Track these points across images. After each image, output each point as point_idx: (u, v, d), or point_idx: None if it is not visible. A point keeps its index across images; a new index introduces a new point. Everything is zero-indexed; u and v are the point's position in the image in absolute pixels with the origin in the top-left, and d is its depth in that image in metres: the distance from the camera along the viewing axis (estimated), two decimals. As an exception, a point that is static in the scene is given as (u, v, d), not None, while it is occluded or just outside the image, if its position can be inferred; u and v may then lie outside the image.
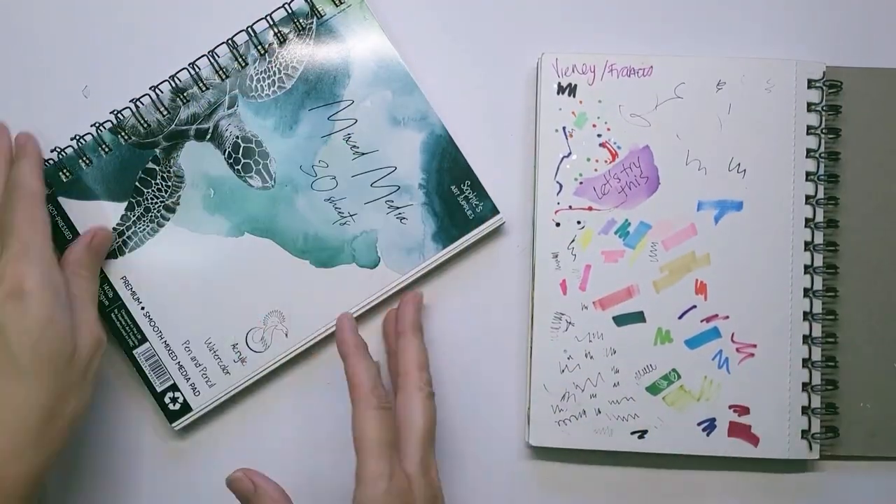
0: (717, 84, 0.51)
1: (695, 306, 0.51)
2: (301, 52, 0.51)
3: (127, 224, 0.51)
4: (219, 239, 0.51)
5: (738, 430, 0.51)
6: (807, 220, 0.51)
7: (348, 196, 0.51)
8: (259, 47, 0.51)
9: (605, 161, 0.51)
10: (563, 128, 0.51)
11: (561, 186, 0.51)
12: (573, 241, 0.51)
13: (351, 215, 0.51)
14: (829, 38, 0.53)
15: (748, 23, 0.53)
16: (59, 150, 0.51)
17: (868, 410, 0.52)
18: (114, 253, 0.51)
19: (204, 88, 0.51)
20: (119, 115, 0.51)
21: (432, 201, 0.51)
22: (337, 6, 0.51)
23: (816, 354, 0.51)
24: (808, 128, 0.51)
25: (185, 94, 0.51)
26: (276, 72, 0.50)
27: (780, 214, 0.51)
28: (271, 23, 0.50)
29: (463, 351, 0.53)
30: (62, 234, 0.51)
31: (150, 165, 0.51)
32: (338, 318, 0.48)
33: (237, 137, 0.50)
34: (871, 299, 0.52)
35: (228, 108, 0.51)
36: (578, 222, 0.51)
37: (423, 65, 0.53)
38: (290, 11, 0.51)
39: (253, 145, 0.51)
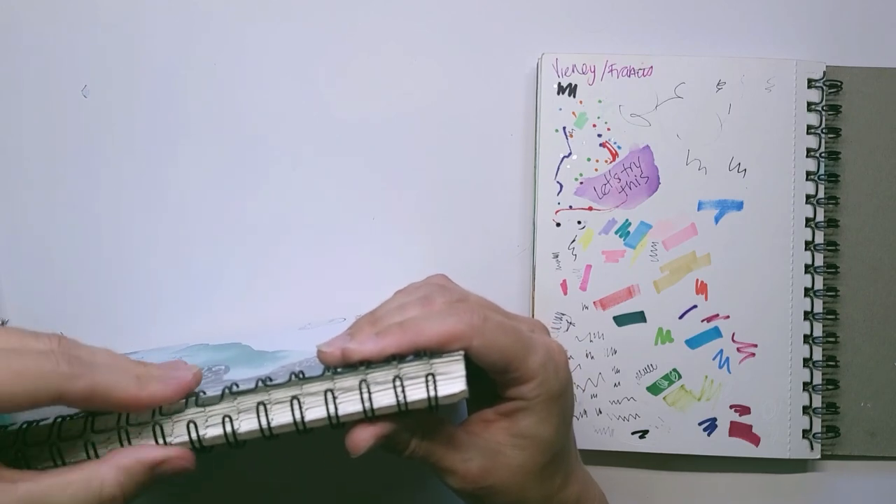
0: (717, 84, 0.51)
1: (695, 306, 0.51)
2: None
3: None
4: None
5: (738, 430, 0.51)
6: (807, 220, 0.51)
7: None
8: None
9: (606, 161, 0.51)
10: (564, 128, 0.51)
11: (561, 186, 0.51)
12: (574, 240, 0.51)
13: None
14: (829, 38, 0.53)
15: (748, 23, 0.53)
16: None
17: (869, 410, 0.52)
18: None
19: None
20: None
21: None
22: None
23: (817, 354, 0.51)
24: (809, 127, 0.51)
25: None
26: None
27: (780, 214, 0.51)
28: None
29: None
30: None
31: None
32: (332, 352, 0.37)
33: None
34: (871, 299, 0.52)
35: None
36: (579, 222, 0.51)
37: (423, 65, 0.53)
38: None
39: None
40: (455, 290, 0.42)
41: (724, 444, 0.51)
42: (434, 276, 0.45)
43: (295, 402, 0.37)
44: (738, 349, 0.51)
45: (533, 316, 0.51)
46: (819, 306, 0.51)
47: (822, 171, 0.51)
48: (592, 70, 0.51)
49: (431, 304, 0.39)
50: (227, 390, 0.37)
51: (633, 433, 0.51)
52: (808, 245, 0.51)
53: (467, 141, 0.53)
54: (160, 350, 0.52)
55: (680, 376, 0.51)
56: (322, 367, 0.38)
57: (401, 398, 0.36)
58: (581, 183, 0.51)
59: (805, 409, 0.51)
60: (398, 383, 0.36)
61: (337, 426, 0.37)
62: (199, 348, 0.50)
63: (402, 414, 0.37)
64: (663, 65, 0.51)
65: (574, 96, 0.51)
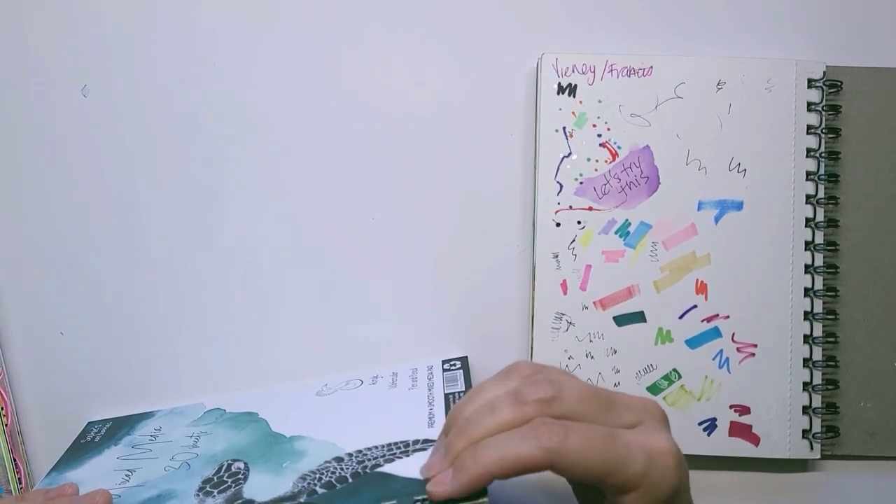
0: (717, 84, 0.51)
1: (695, 306, 0.51)
2: None
3: None
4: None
5: (738, 430, 0.51)
6: (807, 220, 0.51)
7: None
8: None
9: (606, 161, 0.51)
10: (564, 128, 0.51)
11: (561, 186, 0.51)
12: (573, 240, 0.51)
13: None
14: (829, 38, 0.53)
15: (748, 23, 0.53)
16: None
17: (868, 410, 0.52)
18: None
19: None
20: None
21: None
22: None
23: (817, 354, 0.51)
24: (809, 127, 0.51)
25: None
26: None
27: (780, 214, 0.51)
28: None
29: (463, 350, 0.53)
30: None
31: None
32: None
33: None
34: (871, 299, 0.52)
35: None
36: (579, 222, 0.51)
37: (423, 65, 0.53)
38: None
39: None
40: (547, 383, 0.37)
41: (724, 444, 0.51)
42: (518, 365, 0.40)
43: None
44: (738, 349, 0.51)
45: (532, 315, 0.51)
46: (819, 306, 0.51)
47: (821, 171, 0.51)
48: (592, 70, 0.51)
49: (523, 405, 0.36)
50: None
51: (633, 433, 0.51)
52: (808, 245, 0.51)
53: (467, 141, 0.53)
54: (177, 413, 0.53)
55: (680, 376, 0.51)
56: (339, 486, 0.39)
57: None
58: (581, 183, 0.51)
59: (805, 409, 0.51)
60: None
61: None
62: (215, 418, 0.51)
63: None
64: (663, 65, 0.51)
65: (574, 96, 0.51)
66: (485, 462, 0.35)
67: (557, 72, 0.51)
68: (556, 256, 0.51)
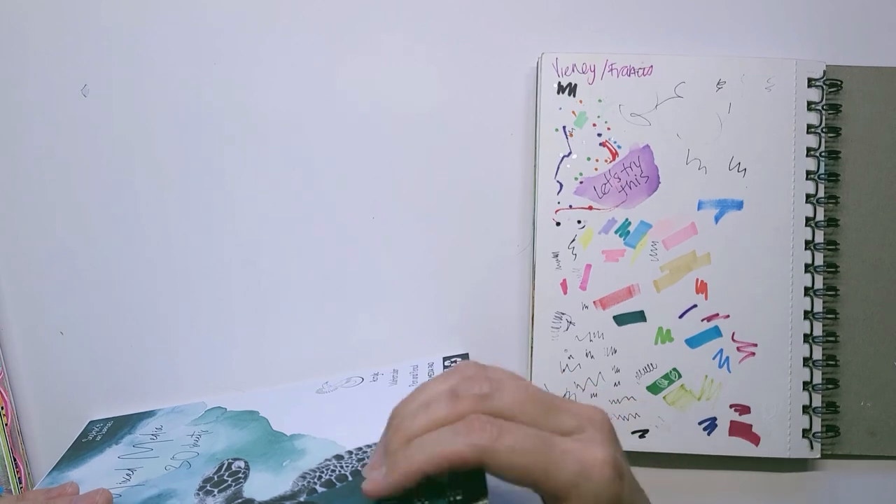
0: (717, 83, 0.51)
1: (695, 305, 0.51)
2: None
3: None
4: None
5: (738, 430, 0.51)
6: (807, 219, 0.51)
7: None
8: None
9: (606, 160, 0.51)
10: (564, 127, 0.51)
11: (561, 186, 0.51)
12: (573, 240, 0.51)
13: None
14: (829, 37, 0.53)
15: (748, 22, 0.53)
16: None
17: (869, 409, 0.52)
18: None
19: None
20: None
21: None
22: None
23: (817, 353, 0.51)
24: (809, 126, 0.51)
25: None
26: None
27: (780, 213, 0.51)
28: None
29: (463, 350, 0.53)
30: None
31: None
32: None
33: None
34: (871, 298, 0.52)
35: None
36: (579, 221, 0.51)
37: (424, 65, 0.53)
38: None
39: None
40: (485, 380, 0.37)
41: (724, 444, 0.51)
42: (463, 364, 0.40)
43: None
44: (738, 348, 0.51)
45: (533, 315, 0.51)
46: (819, 305, 0.51)
47: (821, 170, 0.51)
48: (592, 69, 0.51)
49: (457, 403, 0.36)
50: None
51: (633, 432, 0.51)
52: (808, 244, 0.51)
53: (467, 140, 0.53)
54: (178, 412, 0.53)
55: (680, 376, 0.51)
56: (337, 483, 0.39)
57: None
58: (581, 182, 0.51)
59: (805, 409, 0.51)
60: None
61: None
62: (216, 417, 0.51)
63: None
64: (663, 64, 0.51)
65: (574, 96, 0.51)
66: (416, 459, 0.35)
67: (557, 71, 0.51)
68: (556, 256, 0.51)
